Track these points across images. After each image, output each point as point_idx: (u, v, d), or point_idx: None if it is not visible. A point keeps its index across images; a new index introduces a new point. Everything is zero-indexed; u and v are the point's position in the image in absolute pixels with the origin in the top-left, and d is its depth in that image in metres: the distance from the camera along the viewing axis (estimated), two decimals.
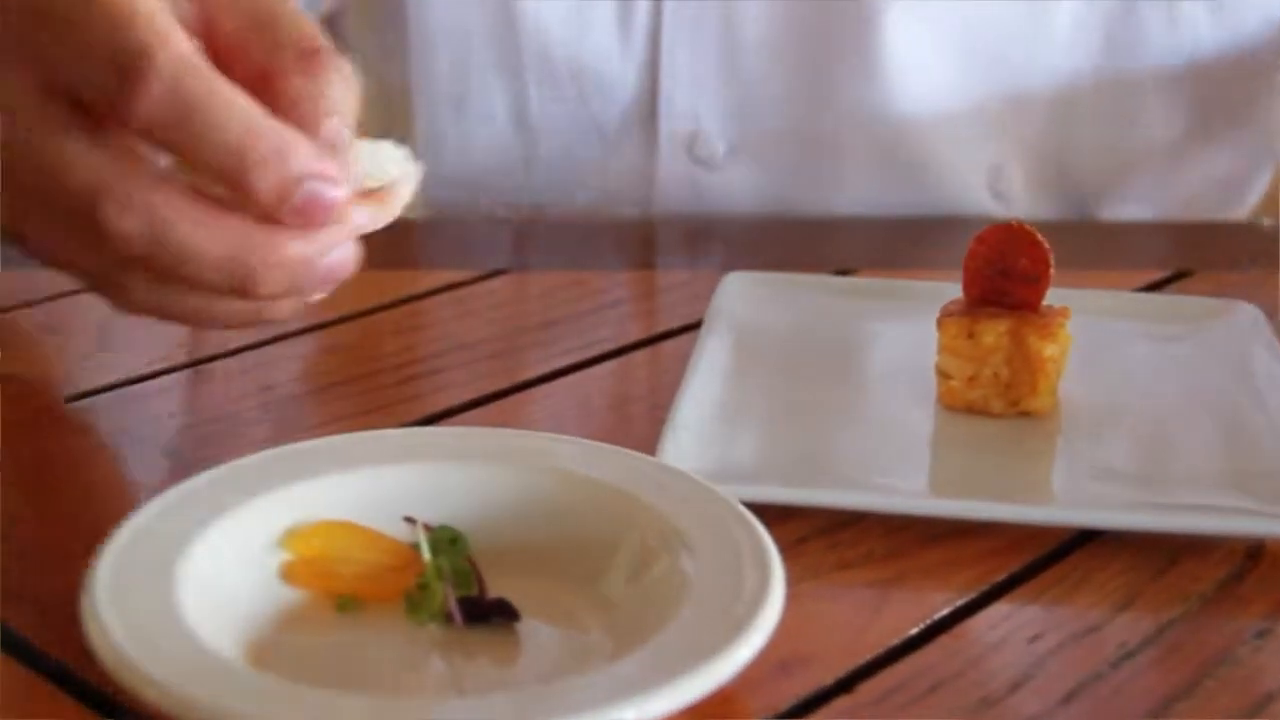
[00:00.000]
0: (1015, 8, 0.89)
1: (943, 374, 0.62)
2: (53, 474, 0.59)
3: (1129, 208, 0.96)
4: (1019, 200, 0.94)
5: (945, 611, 0.50)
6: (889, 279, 0.75)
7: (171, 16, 0.50)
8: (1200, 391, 0.64)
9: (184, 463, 0.59)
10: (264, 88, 0.51)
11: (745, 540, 0.47)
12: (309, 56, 0.52)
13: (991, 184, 0.93)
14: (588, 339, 0.71)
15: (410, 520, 0.50)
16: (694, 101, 0.91)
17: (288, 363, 0.69)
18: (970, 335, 0.61)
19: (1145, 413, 0.63)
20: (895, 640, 0.48)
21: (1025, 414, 0.61)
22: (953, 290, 0.63)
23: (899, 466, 0.59)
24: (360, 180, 0.52)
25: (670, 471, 0.52)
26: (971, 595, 0.51)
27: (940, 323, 0.62)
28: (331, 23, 0.95)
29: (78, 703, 0.45)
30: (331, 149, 0.51)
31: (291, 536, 0.49)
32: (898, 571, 0.52)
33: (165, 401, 0.65)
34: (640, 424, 0.62)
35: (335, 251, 0.52)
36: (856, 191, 0.93)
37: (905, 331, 0.67)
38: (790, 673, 0.46)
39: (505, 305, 0.76)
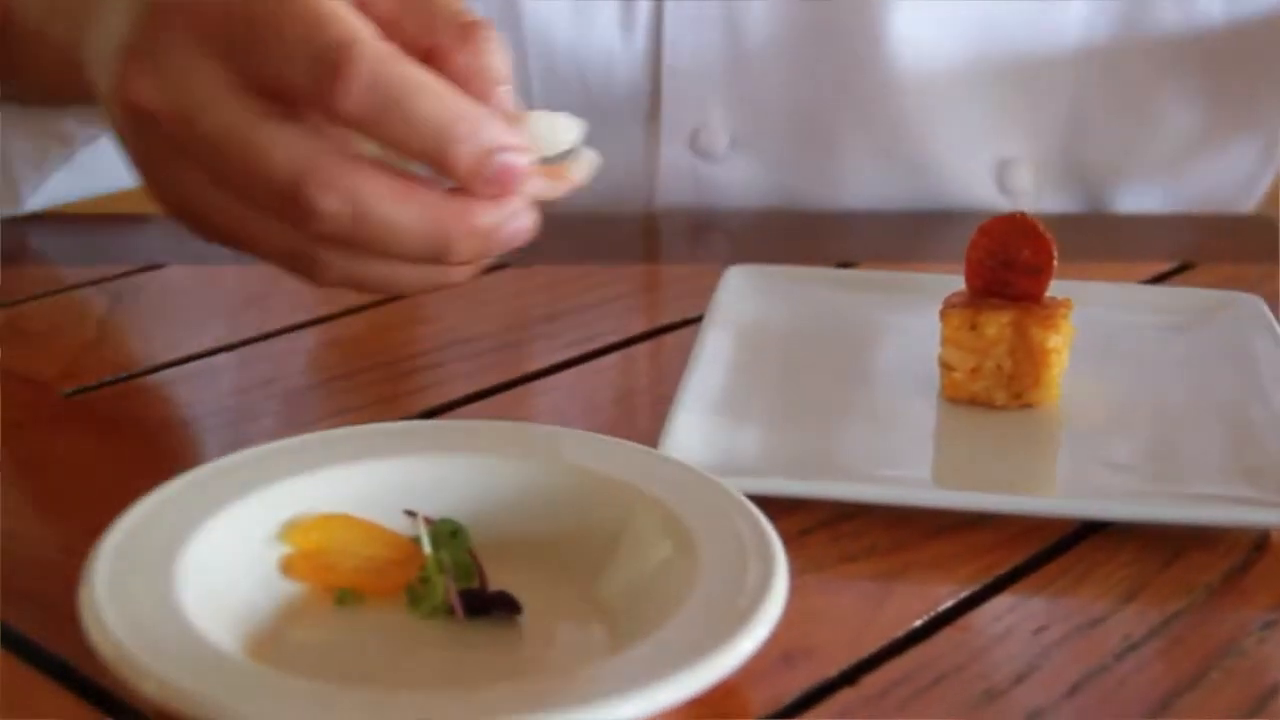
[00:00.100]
0: None
1: (946, 366, 0.62)
2: (52, 470, 0.59)
3: (1140, 202, 0.96)
4: (1027, 196, 0.93)
5: (949, 604, 0.50)
6: (892, 271, 0.75)
7: (351, 7, 0.51)
8: (1204, 384, 0.64)
9: (185, 457, 0.59)
10: (430, 65, 0.52)
11: (748, 533, 0.47)
12: (467, 30, 0.53)
13: (999, 180, 0.93)
14: (591, 332, 0.71)
15: (411, 513, 0.50)
16: (696, 94, 0.91)
17: (291, 356, 0.69)
18: (973, 327, 0.61)
19: (1149, 405, 0.63)
20: (899, 633, 0.48)
21: (1028, 406, 0.61)
22: (955, 282, 0.63)
23: (902, 459, 0.59)
24: (540, 148, 0.54)
25: (673, 464, 0.52)
26: (975, 587, 0.51)
27: (943, 314, 0.61)
28: None
29: (78, 698, 0.45)
30: (512, 119, 0.53)
31: (291, 530, 0.49)
32: (901, 564, 0.52)
33: (166, 396, 0.65)
34: (643, 417, 0.62)
35: (517, 218, 0.53)
36: (860, 185, 0.93)
37: (908, 324, 0.67)
38: (794, 665, 0.46)
39: (508, 299, 0.76)
